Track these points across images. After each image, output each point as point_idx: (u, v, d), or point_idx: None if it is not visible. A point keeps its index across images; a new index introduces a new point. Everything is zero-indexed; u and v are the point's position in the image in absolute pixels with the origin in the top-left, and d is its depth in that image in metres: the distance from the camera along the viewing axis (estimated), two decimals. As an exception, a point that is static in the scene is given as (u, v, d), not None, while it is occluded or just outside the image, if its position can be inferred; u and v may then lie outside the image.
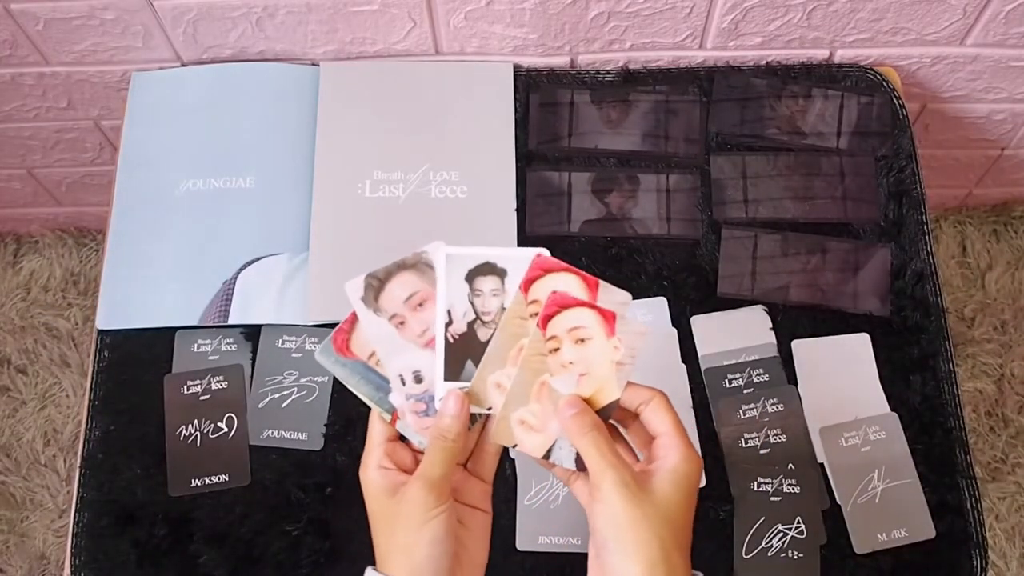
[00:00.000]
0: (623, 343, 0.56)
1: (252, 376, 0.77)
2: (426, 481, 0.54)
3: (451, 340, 0.57)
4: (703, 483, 0.73)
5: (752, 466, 0.73)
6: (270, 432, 0.75)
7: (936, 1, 0.82)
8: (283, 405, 0.76)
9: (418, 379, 0.57)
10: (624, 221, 0.82)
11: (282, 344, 0.78)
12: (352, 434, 0.74)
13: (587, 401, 0.56)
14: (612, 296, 0.56)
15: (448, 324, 0.57)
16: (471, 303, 0.57)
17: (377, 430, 0.58)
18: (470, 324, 0.57)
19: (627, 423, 0.58)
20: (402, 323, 0.57)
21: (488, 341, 0.56)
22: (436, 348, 0.56)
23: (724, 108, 0.86)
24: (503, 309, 0.56)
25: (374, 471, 0.56)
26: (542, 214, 0.82)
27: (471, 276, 0.57)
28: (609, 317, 0.56)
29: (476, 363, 0.56)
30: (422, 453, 0.56)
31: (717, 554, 0.71)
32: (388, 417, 0.57)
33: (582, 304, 0.56)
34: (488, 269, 0.57)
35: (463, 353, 0.57)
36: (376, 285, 0.58)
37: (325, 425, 0.75)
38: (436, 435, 0.55)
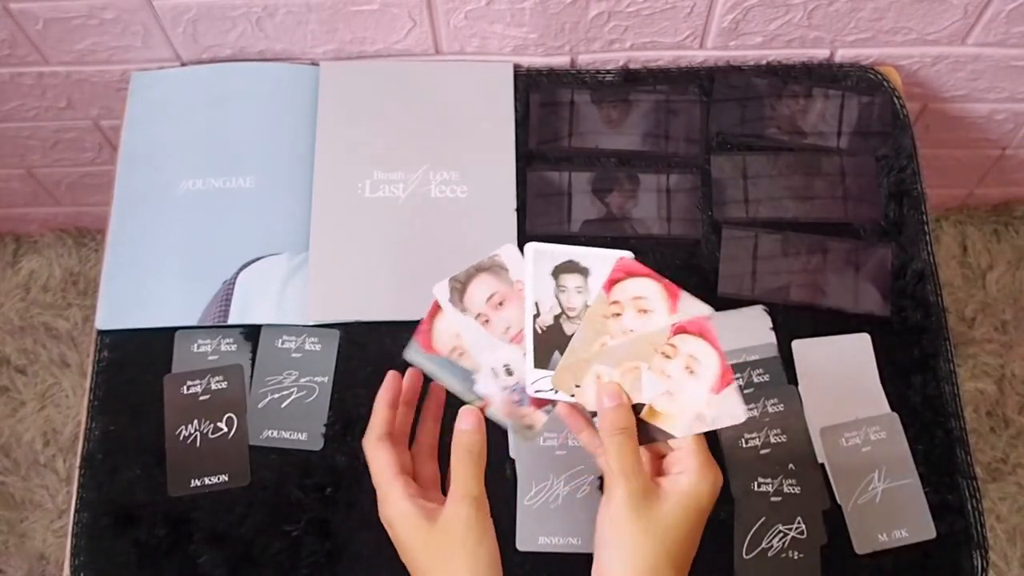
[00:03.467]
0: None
1: (252, 376, 0.77)
2: (471, 499, 0.55)
3: (539, 332, 0.60)
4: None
5: (752, 466, 0.73)
6: (270, 432, 0.75)
7: (937, 0, 0.82)
8: (283, 405, 0.76)
9: (509, 372, 0.61)
10: (624, 221, 0.82)
11: (282, 344, 0.77)
12: (352, 434, 0.74)
13: (648, 410, 0.57)
14: (694, 307, 0.58)
15: (536, 316, 0.60)
16: (557, 298, 0.60)
17: (387, 462, 0.59)
18: (556, 318, 0.60)
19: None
20: (487, 321, 0.61)
21: (572, 335, 0.59)
22: (525, 338, 0.60)
23: (724, 108, 0.86)
24: (586, 306, 0.59)
25: (406, 501, 0.56)
26: (542, 214, 0.82)
27: (556, 272, 0.60)
28: (673, 293, 0.57)
29: (562, 354, 0.59)
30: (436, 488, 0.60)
31: (717, 554, 0.71)
32: (477, 404, 0.60)
33: (648, 275, 0.58)
34: (572, 267, 0.60)
35: (550, 344, 0.60)
36: (459, 287, 0.62)
37: (325, 425, 0.75)
38: (463, 451, 0.57)
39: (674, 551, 0.53)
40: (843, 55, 0.89)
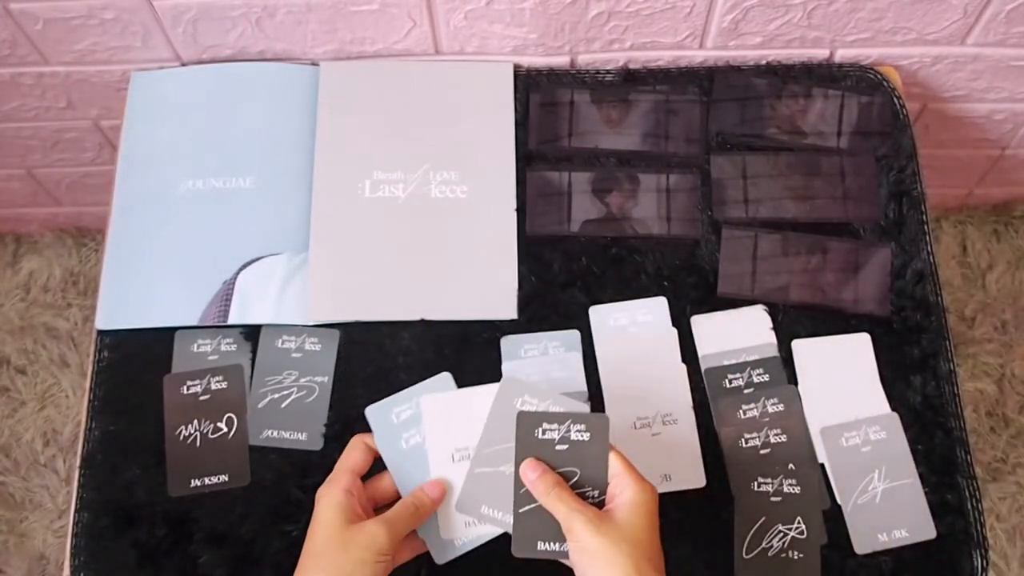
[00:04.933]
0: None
1: (252, 376, 0.77)
2: (391, 529, 0.61)
3: None
4: (703, 484, 0.73)
5: (752, 466, 0.73)
6: (270, 432, 0.75)
7: (937, 1, 0.82)
8: (283, 405, 0.76)
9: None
10: (624, 221, 0.82)
11: (282, 344, 0.77)
12: (351, 434, 0.74)
13: None
14: None
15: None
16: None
17: (352, 458, 0.66)
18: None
19: None
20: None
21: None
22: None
23: (724, 108, 0.86)
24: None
25: (341, 492, 0.63)
26: (542, 214, 0.82)
27: None
28: None
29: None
30: (382, 505, 0.65)
31: (717, 554, 0.71)
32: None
33: None
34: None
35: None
36: None
37: (325, 425, 0.75)
38: (412, 506, 0.64)
39: (649, 551, 0.58)
40: (843, 55, 0.89)
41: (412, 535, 0.65)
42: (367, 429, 0.69)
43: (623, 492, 0.60)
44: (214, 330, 0.78)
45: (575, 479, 0.62)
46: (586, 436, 0.62)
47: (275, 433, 0.75)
